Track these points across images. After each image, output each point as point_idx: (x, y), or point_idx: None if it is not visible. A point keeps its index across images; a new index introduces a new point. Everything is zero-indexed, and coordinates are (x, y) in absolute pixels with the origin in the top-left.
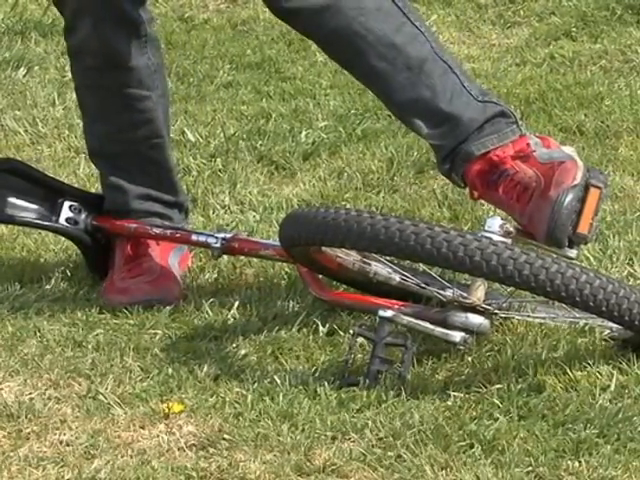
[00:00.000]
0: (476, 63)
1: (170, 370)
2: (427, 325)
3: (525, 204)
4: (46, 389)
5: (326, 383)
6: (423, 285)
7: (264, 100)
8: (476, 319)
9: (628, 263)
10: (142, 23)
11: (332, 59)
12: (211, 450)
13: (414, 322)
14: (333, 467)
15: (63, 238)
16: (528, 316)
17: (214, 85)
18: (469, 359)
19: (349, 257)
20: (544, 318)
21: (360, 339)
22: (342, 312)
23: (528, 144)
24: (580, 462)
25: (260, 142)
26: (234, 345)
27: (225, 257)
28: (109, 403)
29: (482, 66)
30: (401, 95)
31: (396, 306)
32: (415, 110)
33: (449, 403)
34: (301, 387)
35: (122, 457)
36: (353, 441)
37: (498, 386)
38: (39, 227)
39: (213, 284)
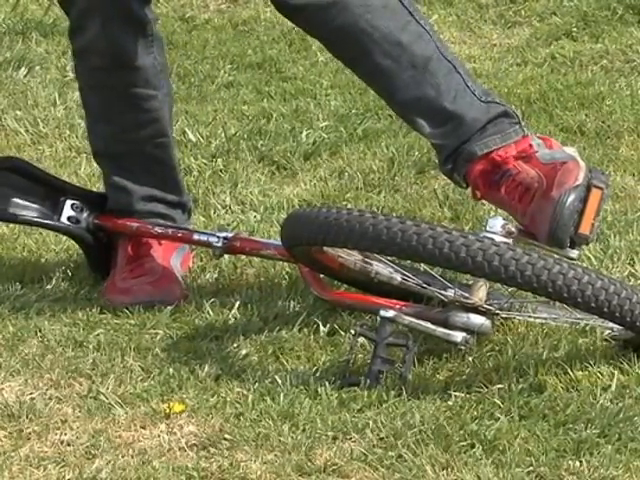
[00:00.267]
0: (477, 63)
1: (171, 370)
2: (428, 325)
3: (527, 204)
4: (47, 389)
5: (327, 383)
6: (424, 285)
7: (265, 100)
8: (477, 319)
9: (629, 263)
10: (149, 22)
11: (336, 56)
12: (212, 450)
13: (415, 322)
14: (334, 467)
15: (64, 238)
16: (529, 316)
17: (215, 85)
18: (470, 359)
19: (350, 257)
20: (545, 318)
21: (361, 339)
22: (343, 312)
23: (530, 145)
24: (581, 462)
25: (261, 142)
26: (235, 345)
27: (226, 257)
28: (110, 403)
29: (483, 66)
30: (405, 93)
31: (397, 306)
32: (418, 109)
33: (450, 403)
34: (302, 387)
35: (123, 457)
36: (354, 441)
37: (499, 386)
38: (41, 226)
39: (214, 284)
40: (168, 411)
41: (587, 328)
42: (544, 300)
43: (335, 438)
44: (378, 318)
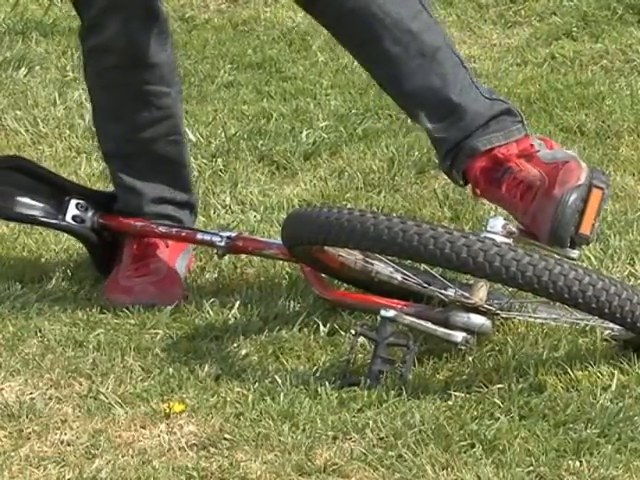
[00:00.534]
0: (477, 63)
1: (171, 370)
2: (429, 325)
3: (529, 203)
4: (47, 389)
5: (327, 383)
6: (425, 285)
7: (265, 100)
8: (478, 319)
9: (629, 263)
10: (166, 19)
11: (343, 42)
12: (212, 450)
13: (416, 322)
14: (334, 467)
15: (64, 238)
16: (530, 316)
17: (215, 85)
18: (470, 359)
19: (351, 256)
20: (545, 318)
21: (361, 339)
22: (343, 312)
23: (532, 144)
24: (581, 462)
25: (261, 142)
26: (235, 345)
27: (226, 257)
28: (110, 403)
29: (483, 66)
30: (411, 82)
31: (398, 306)
32: (423, 99)
33: (450, 403)
34: (302, 387)
35: (123, 457)
36: (354, 441)
37: (499, 386)
38: (45, 225)
39: (214, 284)
40: (168, 411)
41: (587, 328)
42: (544, 300)
43: (335, 438)
44: (378, 318)
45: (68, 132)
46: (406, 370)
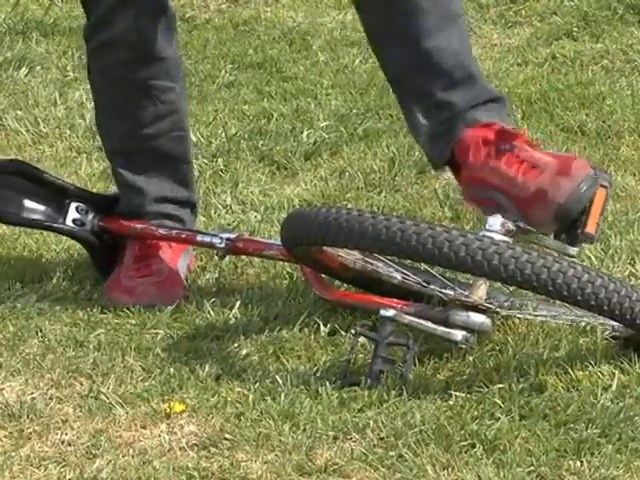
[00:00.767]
0: (478, 63)
1: (172, 370)
2: (429, 324)
3: (534, 177)
4: (48, 389)
5: (327, 383)
6: (424, 284)
7: (265, 100)
8: (478, 318)
9: (630, 263)
10: (173, 14)
11: None
12: (212, 450)
13: (416, 321)
14: (335, 467)
15: (65, 238)
16: (529, 315)
17: (216, 85)
18: (471, 359)
19: (350, 256)
20: (545, 317)
21: (362, 339)
22: (343, 312)
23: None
24: (582, 462)
25: (262, 142)
26: (236, 345)
27: (227, 257)
28: (111, 403)
29: (484, 66)
30: (435, 39)
31: (398, 305)
32: (441, 58)
33: (451, 403)
34: (303, 387)
35: (124, 457)
36: (355, 441)
37: (500, 386)
38: (45, 229)
39: (214, 284)
40: (169, 411)
41: (588, 328)
42: (544, 298)
43: (336, 438)
44: (379, 317)
45: (69, 132)
46: (406, 370)
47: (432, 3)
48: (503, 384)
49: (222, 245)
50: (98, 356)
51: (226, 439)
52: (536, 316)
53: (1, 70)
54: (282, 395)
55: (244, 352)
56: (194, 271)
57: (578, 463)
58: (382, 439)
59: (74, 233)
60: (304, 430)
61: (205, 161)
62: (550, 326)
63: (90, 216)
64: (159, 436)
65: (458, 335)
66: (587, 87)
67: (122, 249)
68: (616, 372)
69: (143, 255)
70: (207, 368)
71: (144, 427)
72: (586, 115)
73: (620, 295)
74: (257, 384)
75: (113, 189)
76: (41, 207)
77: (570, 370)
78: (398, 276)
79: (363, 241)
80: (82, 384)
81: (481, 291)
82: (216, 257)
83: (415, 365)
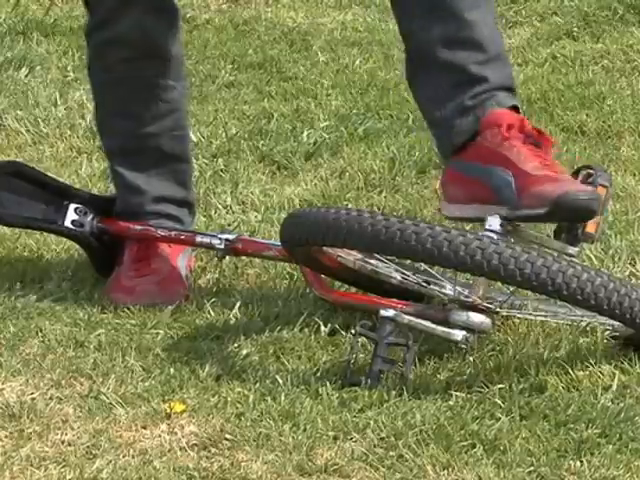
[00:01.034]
0: None
1: (172, 370)
2: (429, 324)
3: (550, 171)
4: (48, 389)
5: (328, 383)
6: (424, 284)
7: (266, 100)
8: (478, 318)
9: (630, 263)
10: (178, 13)
11: None
12: (213, 450)
13: (416, 321)
14: (335, 467)
15: (65, 238)
16: (529, 314)
17: (216, 85)
18: (471, 359)
19: (350, 257)
20: (545, 316)
21: (362, 339)
22: (344, 312)
23: None
24: (582, 462)
25: (262, 142)
26: (236, 345)
27: (227, 257)
28: (111, 403)
29: None
30: (475, 11)
31: (398, 305)
32: (480, 31)
33: (451, 403)
34: (303, 387)
35: (124, 457)
36: (355, 441)
37: (500, 386)
38: (44, 230)
39: (215, 284)
40: (169, 411)
41: (588, 328)
42: (544, 298)
43: (336, 438)
44: (378, 318)
45: (69, 132)
46: (407, 370)
47: None
48: (503, 384)
49: (221, 246)
50: (98, 356)
51: (226, 439)
52: (536, 316)
53: (1, 70)
54: (282, 395)
55: (244, 352)
56: (194, 271)
57: (578, 463)
58: (382, 439)
59: (73, 234)
60: (304, 430)
61: (205, 161)
62: (550, 326)
63: (89, 217)
64: (159, 436)
65: (458, 335)
66: (587, 87)
67: (121, 249)
68: (616, 372)
69: (142, 255)
70: (207, 368)
71: (144, 427)
72: (586, 115)
73: (620, 294)
74: (257, 384)
75: (113, 189)
76: (40, 208)
77: (570, 370)
78: (398, 276)
79: (363, 241)
80: (82, 384)
81: (481, 291)
82: (216, 258)
83: (415, 365)
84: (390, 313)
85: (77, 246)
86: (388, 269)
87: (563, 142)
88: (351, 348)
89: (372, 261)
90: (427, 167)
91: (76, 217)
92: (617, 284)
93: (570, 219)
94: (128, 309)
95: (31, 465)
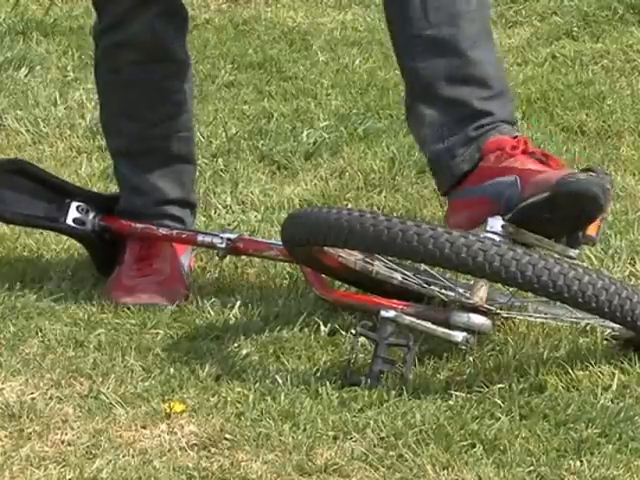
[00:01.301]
0: None
1: (172, 370)
2: (429, 325)
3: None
4: (48, 389)
5: (328, 383)
6: (425, 285)
7: (266, 100)
8: (478, 319)
9: (630, 262)
10: (188, 16)
11: None
12: (213, 450)
13: (416, 322)
14: (335, 467)
15: (64, 237)
16: (530, 316)
17: (216, 85)
18: (471, 359)
19: (351, 257)
20: (546, 318)
21: (362, 339)
22: (344, 312)
23: None
24: (582, 462)
25: (262, 142)
26: (236, 345)
27: (227, 257)
28: (111, 403)
29: None
30: (477, 49)
31: (398, 306)
32: (484, 68)
33: (451, 403)
34: (303, 387)
35: (124, 457)
36: (355, 441)
37: (500, 386)
38: (46, 228)
39: (215, 284)
40: (169, 411)
41: (588, 328)
42: (545, 300)
43: (336, 438)
44: (379, 318)
45: (69, 132)
46: (407, 370)
47: (475, 14)
48: (503, 384)
49: (223, 245)
50: (98, 356)
51: (226, 439)
52: (536, 318)
53: (1, 70)
54: (282, 395)
55: (244, 352)
56: (194, 271)
57: (578, 463)
58: (382, 439)
59: (75, 233)
60: (304, 430)
61: (205, 161)
62: (550, 326)
63: (91, 215)
64: (159, 436)
65: (458, 336)
66: (587, 87)
67: (123, 248)
68: (616, 372)
69: (144, 254)
70: (207, 368)
71: (144, 427)
72: (586, 115)
73: (621, 297)
74: (257, 384)
75: (113, 189)
76: (42, 206)
77: (570, 370)
78: (399, 277)
79: (364, 242)
80: (82, 384)
81: (482, 292)
82: (216, 257)
83: (415, 365)
84: (391, 314)
85: (77, 246)
86: (389, 270)
87: (563, 142)
88: (351, 348)
89: (373, 261)
90: (427, 167)
91: (78, 215)
92: (618, 287)
93: (572, 204)
94: (128, 309)
95: (31, 465)
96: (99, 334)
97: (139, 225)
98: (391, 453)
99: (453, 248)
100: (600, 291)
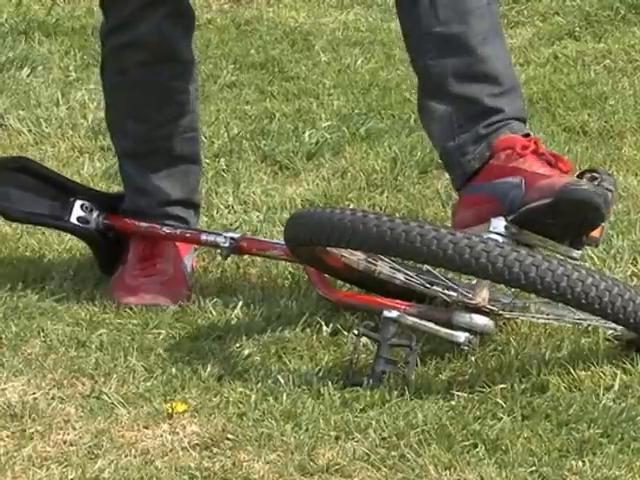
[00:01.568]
0: None
1: (174, 370)
2: (431, 325)
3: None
4: (50, 389)
5: (330, 383)
6: (428, 285)
7: (268, 100)
8: (481, 320)
9: (632, 263)
10: (194, 17)
11: None
12: (215, 450)
13: (418, 322)
14: (337, 467)
15: (67, 237)
16: (532, 317)
17: (218, 85)
18: (473, 359)
19: (354, 257)
20: (548, 319)
21: (364, 339)
22: (346, 312)
23: None
24: (584, 462)
25: (264, 142)
26: (238, 345)
27: (229, 257)
28: (113, 403)
29: None
30: (488, 46)
31: (401, 307)
32: (494, 65)
33: (453, 403)
34: (305, 387)
35: (126, 457)
36: (357, 441)
37: (502, 386)
38: (50, 226)
39: (217, 284)
40: (171, 411)
41: (590, 328)
42: (547, 301)
43: (338, 438)
44: (381, 318)
45: (71, 132)
46: (409, 370)
47: (485, 10)
48: (505, 384)
49: (226, 244)
50: (100, 356)
51: (228, 439)
52: (539, 318)
53: (3, 70)
54: (284, 395)
55: (246, 352)
56: (196, 271)
57: (580, 463)
58: (384, 439)
59: (78, 231)
60: (306, 430)
61: (207, 161)
62: (552, 326)
63: (95, 214)
64: (161, 436)
65: (461, 337)
66: (589, 87)
67: (126, 247)
68: (618, 372)
69: (148, 254)
70: (209, 368)
71: (146, 427)
72: (588, 115)
73: (624, 299)
74: (259, 384)
75: (115, 189)
76: (46, 204)
77: (572, 370)
78: (401, 277)
79: (367, 242)
80: (84, 384)
81: (484, 293)
82: (219, 257)
83: (417, 366)
84: (393, 314)
85: (79, 246)
86: (392, 270)
87: (565, 142)
88: (353, 348)
89: (376, 262)
90: (429, 167)
91: (82, 214)
92: (621, 288)
93: (574, 212)
94: (130, 309)
95: (33, 465)
96: (101, 334)
97: (143, 224)
98: (393, 453)
99: (456, 249)
100: (603, 293)
